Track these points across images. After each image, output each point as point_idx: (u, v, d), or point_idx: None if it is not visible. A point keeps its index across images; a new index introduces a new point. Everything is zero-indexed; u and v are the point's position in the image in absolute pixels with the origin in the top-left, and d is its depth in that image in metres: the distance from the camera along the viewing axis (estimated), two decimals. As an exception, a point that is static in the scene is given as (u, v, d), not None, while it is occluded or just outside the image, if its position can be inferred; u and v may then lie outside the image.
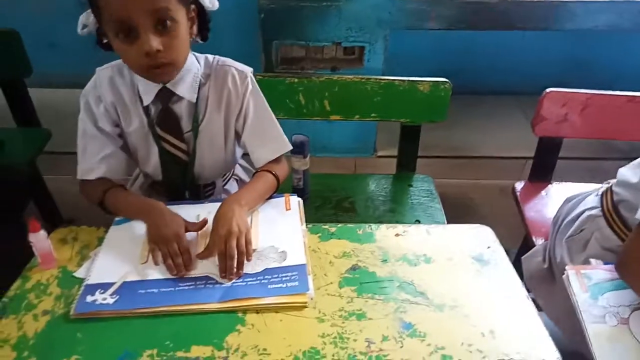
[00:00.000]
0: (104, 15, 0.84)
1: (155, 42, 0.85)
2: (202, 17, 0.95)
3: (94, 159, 1.01)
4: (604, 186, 1.12)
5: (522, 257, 1.30)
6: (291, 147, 1.11)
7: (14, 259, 1.19)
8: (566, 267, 0.94)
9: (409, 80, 1.36)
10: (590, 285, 0.91)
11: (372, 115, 1.41)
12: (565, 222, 1.17)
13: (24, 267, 0.90)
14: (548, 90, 1.35)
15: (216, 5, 0.93)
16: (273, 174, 1.04)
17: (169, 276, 0.85)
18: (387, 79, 1.37)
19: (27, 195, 1.42)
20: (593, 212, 1.09)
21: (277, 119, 1.40)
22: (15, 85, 1.57)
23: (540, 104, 1.37)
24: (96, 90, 1.00)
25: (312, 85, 1.37)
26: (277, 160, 1.08)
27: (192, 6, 0.91)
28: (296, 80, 1.36)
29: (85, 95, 1.01)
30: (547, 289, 1.20)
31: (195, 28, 0.95)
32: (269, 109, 1.08)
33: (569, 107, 1.36)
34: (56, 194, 1.73)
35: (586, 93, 1.35)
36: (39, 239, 0.86)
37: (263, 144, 1.07)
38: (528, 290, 0.88)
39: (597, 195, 1.12)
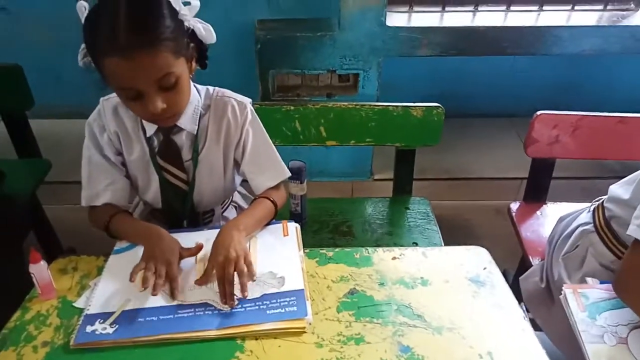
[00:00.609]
0: (107, 77, 0.86)
1: (159, 103, 0.88)
2: (200, 49, 0.97)
3: (100, 186, 1.04)
4: (595, 203, 1.14)
5: (520, 278, 1.30)
6: (289, 174, 1.13)
7: (13, 288, 1.19)
8: (563, 287, 0.95)
9: (402, 106, 1.39)
10: (587, 304, 0.91)
11: (368, 140, 1.44)
12: (560, 239, 1.18)
13: (23, 297, 0.90)
14: (539, 112, 1.38)
15: (214, 39, 0.95)
16: (271, 201, 1.05)
17: (168, 303, 0.85)
18: (382, 105, 1.40)
19: (27, 226, 1.43)
20: (586, 227, 1.11)
21: (274, 145, 1.43)
22: (17, 117, 1.59)
23: (532, 126, 1.40)
24: (100, 119, 1.03)
25: (308, 112, 1.40)
26: (275, 187, 1.10)
27: (191, 45, 0.93)
28: (292, 108, 1.39)
29: (90, 124, 1.04)
30: (546, 309, 1.20)
31: (194, 63, 0.97)
32: (268, 137, 1.10)
33: (560, 129, 1.39)
34: (55, 223, 1.74)
35: (576, 115, 1.38)
36: (40, 270, 0.87)
37: (262, 172, 1.09)
38: (527, 311, 0.89)
39: (589, 211, 1.14)
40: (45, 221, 1.64)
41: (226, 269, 0.86)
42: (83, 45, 0.87)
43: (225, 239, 0.91)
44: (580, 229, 1.11)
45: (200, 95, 1.04)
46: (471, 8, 1.90)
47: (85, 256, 0.99)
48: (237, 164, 1.11)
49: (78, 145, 1.07)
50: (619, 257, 1.04)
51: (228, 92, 1.07)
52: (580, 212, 1.17)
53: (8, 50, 2.05)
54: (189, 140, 1.03)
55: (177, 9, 0.88)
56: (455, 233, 1.64)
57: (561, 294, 1.06)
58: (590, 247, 1.08)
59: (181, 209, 1.09)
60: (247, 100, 1.08)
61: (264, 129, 1.10)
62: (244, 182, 1.17)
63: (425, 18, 1.85)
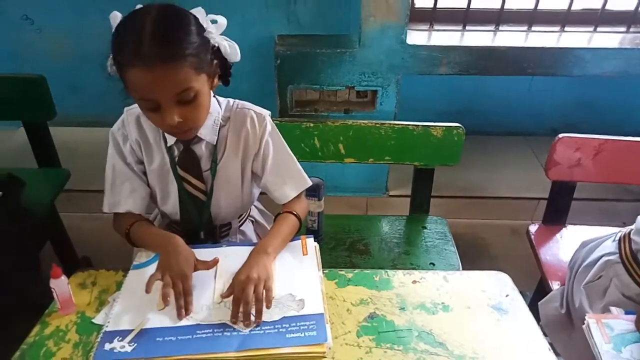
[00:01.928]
0: (129, 87, 0.88)
1: (176, 117, 0.89)
2: (224, 67, 0.99)
3: (122, 194, 1.06)
4: (621, 231, 1.12)
5: (539, 303, 1.28)
6: (311, 183, 1.13)
7: (30, 299, 1.20)
8: (586, 316, 0.93)
9: (422, 125, 1.38)
10: (612, 336, 0.89)
11: (386, 158, 1.43)
12: (582, 267, 1.16)
13: (39, 307, 0.90)
14: (561, 135, 1.37)
15: (238, 57, 0.97)
16: (295, 215, 1.06)
17: (187, 323, 0.85)
18: (401, 124, 1.39)
19: (45, 236, 1.44)
20: (611, 258, 1.08)
21: (293, 160, 1.43)
22: (39, 127, 1.61)
23: (553, 148, 1.38)
24: (124, 128, 1.05)
25: (327, 129, 1.40)
26: (297, 198, 1.11)
27: (215, 61, 0.94)
28: (312, 124, 1.39)
29: (113, 132, 1.06)
30: (565, 335, 1.18)
31: (217, 80, 0.98)
32: (288, 148, 1.11)
33: (582, 152, 1.37)
34: (70, 231, 1.76)
35: (599, 139, 1.36)
36: (60, 285, 0.87)
37: (284, 182, 1.09)
38: (544, 335, 0.87)
39: (614, 240, 1.11)
40: (63, 231, 1.65)
41: (245, 289, 0.86)
42: (111, 55, 0.89)
43: (251, 261, 0.92)
44: (604, 258, 1.09)
45: (220, 107, 1.06)
46: (492, 28, 1.90)
47: (104, 270, 0.99)
48: (255, 176, 1.12)
49: (95, 153, 1.09)
50: None
51: (248, 105, 1.08)
52: (605, 238, 1.15)
53: (31, 61, 2.10)
54: (208, 151, 1.04)
55: (205, 26, 0.90)
56: (470, 252, 1.63)
57: (584, 323, 1.04)
58: (615, 277, 1.06)
59: (199, 220, 1.10)
60: (267, 112, 1.09)
61: (283, 140, 1.11)
62: (262, 194, 1.17)
63: (446, 37, 1.85)
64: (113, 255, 0.95)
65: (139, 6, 0.90)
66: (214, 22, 0.92)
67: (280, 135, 1.10)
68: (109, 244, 1.04)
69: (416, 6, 1.91)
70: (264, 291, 0.87)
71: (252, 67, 1.98)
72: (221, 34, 0.94)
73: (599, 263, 1.10)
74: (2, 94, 1.57)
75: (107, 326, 0.84)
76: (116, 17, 0.88)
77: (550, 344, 0.85)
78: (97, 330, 0.85)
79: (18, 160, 1.87)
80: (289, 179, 1.09)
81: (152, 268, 0.97)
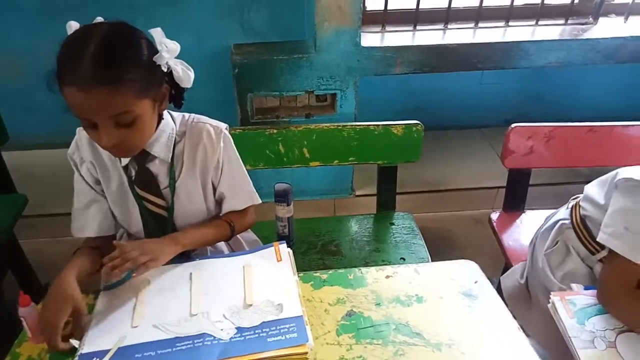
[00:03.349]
0: (67, 104, 0.85)
1: (113, 139, 0.87)
2: (177, 90, 0.97)
3: (88, 217, 1.05)
4: (574, 199, 1.20)
5: (501, 277, 1.36)
6: (260, 201, 1.13)
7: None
8: (551, 295, 0.99)
9: (383, 125, 1.42)
10: (576, 310, 0.95)
11: (350, 159, 1.46)
12: (540, 232, 1.25)
13: (6, 340, 0.87)
14: (513, 125, 1.43)
15: (190, 83, 0.95)
16: (230, 225, 1.09)
17: (166, 337, 0.84)
18: (363, 125, 1.42)
19: (6, 265, 1.38)
20: (565, 222, 1.17)
21: (258, 169, 1.44)
22: (-9, 152, 1.56)
23: (507, 138, 1.45)
24: (78, 151, 1.03)
25: (291, 134, 1.41)
26: (242, 212, 1.12)
27: (165, 85, 0.93)
28: (275, 131, 1.40)
29: (70, 155, 1.04)
30: (524, 306, 1.26)
31: (166, 103, 0.97)
32: (242, 163, 1.11)
33: (535, 140, 1.44)
34: (32, 258, 1.69)
35: (549, 126, 1.44)
36: (30, 313, 0.84)
37: (233, 196, 1.10)
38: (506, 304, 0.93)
39: (567, 208, 1.21)
40: (24, 258, 1.59)
41: (131, 251, 0.91)
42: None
43: (158, 240, 0.98)
44: (559, 223, 1.18)
45: (175, 122, 1.04)
46: (441, 26, 1.96)
47: (74, 294, 0.96)
48: (214, 188, 1.11)
49: (52, 175, 1.07)
50: (592, 253, 1.10)
51: (204, 118, 1.07)
52: (560, 207, 1.24)
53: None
54: (165, 168, 1.03)
55: (159, 49, 0.89)
56: (438, 244, 1.68)
57: (546, 289, 1.11)
58: (568, 242, 1.14)
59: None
60: (223, 125, 1.08)
61: (237, 154, 1.10)
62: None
63: (398, 37, 1.90)
64: (77, 280, 0.92)
65: (99, 19, 0.88)
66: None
67: (235, 150, 1.10)
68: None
69: (368, 9, 1.96)
70: (141, 263, 0.91)
71: (210, 77, 1.97)
72: (177, 57, 0.92)
73: (554, 228, 1.18)
74: (-53, 120, 1.51)
75: (82, 348, 0.82)
76: (71, 27, 0.87)
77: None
78: (72, 356, 0.82)
79: (-31, 188, 1.79)
80: (240, 194, 1.11)
81: (123, 288, 0.96)
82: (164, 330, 0.86)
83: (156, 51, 0.88)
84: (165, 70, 0.90)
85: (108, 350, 0.82)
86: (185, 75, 0.93)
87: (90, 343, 0.84)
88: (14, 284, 1.56)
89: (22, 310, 0.84)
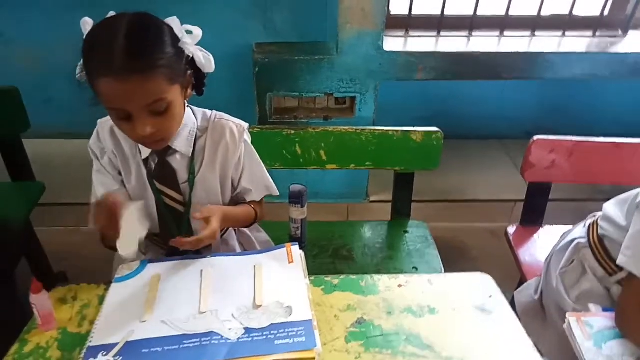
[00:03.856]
0: (100, 96, 0.86)
1: (149, 128, 0.87)
2: (198, 77, 0.97)
3: None
4: (591, 217, 1.17)
5: (515, 292, 1.33)
6: (278, 193, 1.17)
7: (5, 319, 1.16)
8: (567, 315, 0.96)
9: (402, 130, 1.40)
10: (593, 333, 0.92)
11: (367, 163, 1.45)
12: (556, 251, 1.21)
13: (16, 327, 0.88)
14: (536, 137, 1.40)
15: (213, 68, 0.95)
16: (255, 211, 1.14)
17: (173, 333, 0.84)
18: (381, 130, 1.41)
19: (20, 252, 1.39)
20: (581, 241, 1.14)
21: (274, 169, 1.44)
22: (12, 140, 1.57)
23: (529, 150, 1.42)
24: (99, 142, 1.04)
25: (308, 136, 1.40)
26: (260, 202, 1.17)
27: (189, 72, 0.93)
28: (293, 132, 1.39)
29: (90, 147, 1.05)
30: (538, 323, 1.23)
31: (190, 90, 0.97)
32: (259, 159, 1.14)
33: (557, 153, 1.41)
34: (46, 246, 1.71)
35: (572, 140, 1.40)
36: (41, 300, 0.84)
37: (256, 190, 1.14)
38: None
39: (584, 226, 1.17)
40: (38, 246, 1.61)
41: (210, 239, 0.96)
42: (81, 61, 0.87)
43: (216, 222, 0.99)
44: (575, 241, 1.15)
45: (197, 118, 1.05)
46: (466, 33, 1.94)
47: (85, 284, 0.97)
48: (233, 185, 1.12)
49: (70, 166, 1.07)
50: (610, 274, 1.07)
51: (226, 116, 1.08)
52: (577, 225, 1.21)
53: (2, 73, 2.04)
54: (185, 162, 1.03)
55: (180, 36, 0.89)
56: (451, 255, 1.65)
57: (560, 308, 1.08)
58: (585, 262, 1.11)
59: (177, 232, 1.08)
60: (245, 125, 1.09)
61: (255, 151, 1.13)
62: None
63: (422, 43, 1.88)
64: (90, 270, 0.93)
65: (111, 13, 0.88)
66: (188, 32, 0.91)
67: (254, 148, 1.12)
68: (85, 259, 1.02)
69: (392, 13, 1.94)
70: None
71: (230, 76, 1.97)
72: (198, 44, 0.93)
73: (570, 248, 1.15)
74: (-27, 107, 1.53)
75: (90, 341, 0.82)
76: (87, 23, 0.87)
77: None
78: (80, 346, 0.82)
79: (-10, 174, 1.82)
80: (260, 186, 1.14)
81: (134, 281, 0.96)
82: (172, 327, 0.85)
83: (178, 38, 0.89)
84: (189, 56, 0.91)
85: (116, 344, 0.82)
86: (206, 61, 0.94)
87: (99, 336, 0.83)
88: (27, 272, 1.58)
89: (34, 297, 0.84)
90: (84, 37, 0.86)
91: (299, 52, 1.76)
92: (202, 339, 0.83)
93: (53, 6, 1.96)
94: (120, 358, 0.79)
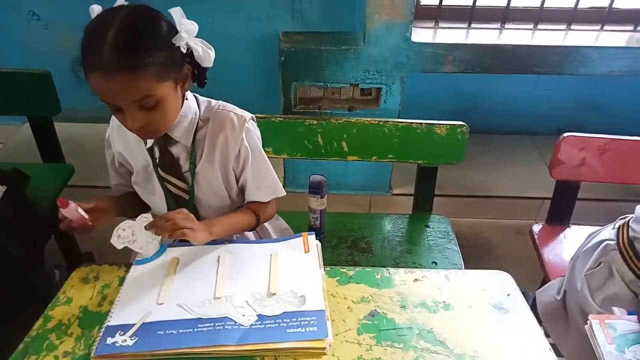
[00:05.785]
0: (92, 90, 0.87)
1: (138, 122, 0.88)
2: (199, 70, 0.96)
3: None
4: (622, 219, 1.12)
5: (537, 291, 1.30)
6: (284, 193, 1.13)
7: (34, 294, 1.21)
8: (589, 317, 0.93)
9: (426, 124, 1.38)
10: (615, 336, 0.89)
11: (390, 156, 1.43)
12: (582, 252, 1.18)
13: (43, 302, 0.91)
14: (565, 134, 1.36)
15: (211, 63, 0.94)
16: (256, 215, 1.09)
17: (188, 317, 0.85)
18: (405, 122, 1.39)
19: (50, 230, 1.44)
20: (610, 243, 1.10)
21: (295, 158, 1.43)
22: (44, 123, 1.62)
23: (558, 147, 1.38)
24: (111, 135, 1.08)
25: (330, 127, 1.39)
26: (265, 203, 1.12)
27: (186, 66, 0.93)
28: (315, 122, 1.39)
29: (107, 138, 1.10)
30: (560, 324, 1.20)
31: (189, 83, 0.97)
32: (265, 155, 1.10)
33: (587, 152, 1.37)
34: (74, 227, 1.77)
35: (604, 138, 1.35)
36: (71, 212, 0.91)
37: (259, 189, 1.10)
38: (540, 322, 0.88)
39: (613, 228, 1.13)
40: (67, 225, 1.66)
41: (176, 215, 0.94)
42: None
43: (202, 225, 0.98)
44: (604, 243, 1.11)
45: (200, 107, 1.04)
46: (498, 25, 1.88)
47: (107, 265, 1.00)
48: (236, 177, 1.10)
49: (99, 149, 1.12)
50: (639, 278, 1.02)
51: (230, 106, 1.06)
52: (606, 227, 1.16)
53: (38, 56, 2.10)
54: (185, 152, 1.04)
55: (178, 28, 0.88)
56: (473, 252, 1.62)
57: (582, 310, 1.05)
58: (613, 264, 1.07)
59: None
60: (248, 115, 1.06)
61: (260, 146, 1.09)
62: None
63: (451, 35, 1.83)
64: (115, 251, 0.96)
65: (120, 2, 0.89)
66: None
67: (258, 141, 1.09)
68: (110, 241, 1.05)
69: (421, 3, 1.90)
70: (181, 227, 0.92)
71: (256, 64, 1.97)
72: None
73: (598, 249, 1.11)
74: (7, 89, 1.58)
75: (109, 321, 0.85)
76: (94, 11, 0.88)
77: (546, 334, 0.85)
78: (100, 325, 0.85)
79: (23, 155, 1.88)
80: (265, 187, 1.10)
81: (154, 264, 0.98)
82: (187, 310, 0.87)
83: (176, 32, 0.88)
84: (185, 51, 0.90)
85: (133, 325, 0.84)
86: (205, 54, 0.92)
87: (118, 316, 0.86)
88: (56, 250, 1.64)
89: (64, 211, 0.91)
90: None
91: (326, 42, 1.75)
92: (216, 324, 0.84)
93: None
94: (137, 338, 0.82)
